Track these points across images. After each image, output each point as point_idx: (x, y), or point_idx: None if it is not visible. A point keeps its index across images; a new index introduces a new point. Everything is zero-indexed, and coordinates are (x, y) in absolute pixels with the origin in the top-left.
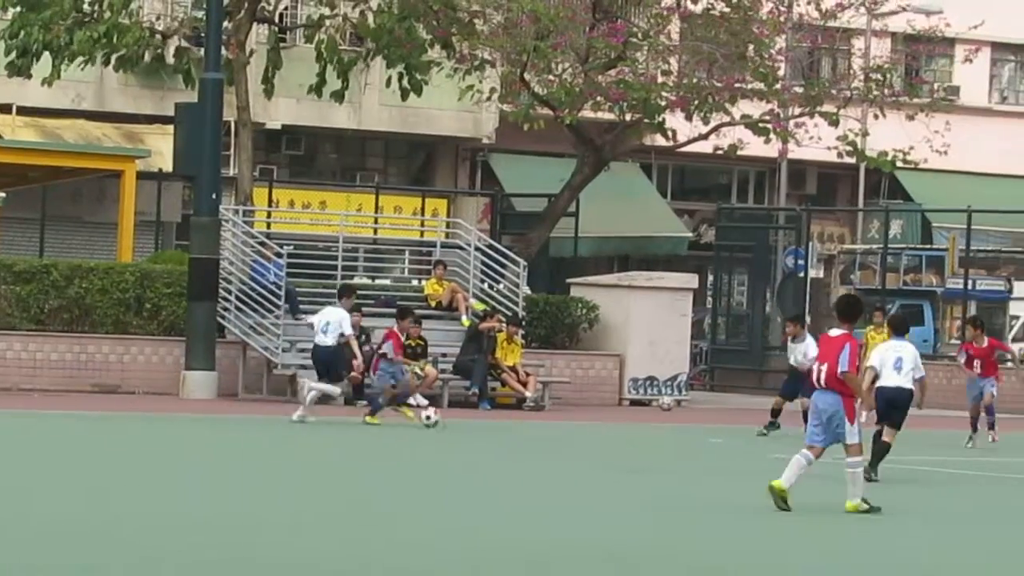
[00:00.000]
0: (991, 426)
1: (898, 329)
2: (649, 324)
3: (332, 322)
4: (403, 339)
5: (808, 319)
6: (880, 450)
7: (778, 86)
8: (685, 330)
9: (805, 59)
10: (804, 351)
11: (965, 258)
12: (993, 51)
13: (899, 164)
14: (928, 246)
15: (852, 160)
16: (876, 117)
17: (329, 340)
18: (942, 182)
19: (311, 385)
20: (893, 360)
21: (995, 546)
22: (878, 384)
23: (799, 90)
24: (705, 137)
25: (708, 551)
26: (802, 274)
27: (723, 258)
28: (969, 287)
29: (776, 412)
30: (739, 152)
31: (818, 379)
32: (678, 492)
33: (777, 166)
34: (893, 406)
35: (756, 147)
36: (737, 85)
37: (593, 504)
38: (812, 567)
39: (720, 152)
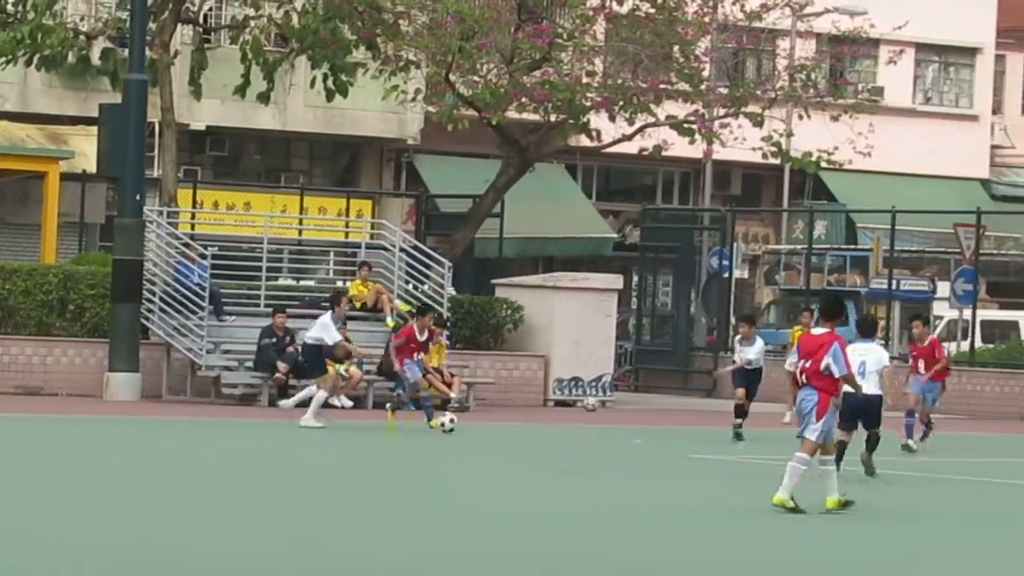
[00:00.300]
0: (908, 432)
1: (865, 331)
2: (574, 325)
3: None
4: (421, 337)
5: (733, 320)
6: (873, 441)
7: (703, 87)
8: (610, 331)
9: (730, 60)
10: (755, 352)
11: (889, 258)
12: (917, 52)
13: (823, 165)
14: (852, 246)
15: (777, 161)
16: (801, 118)
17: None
18: (866, 182)
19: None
20: (857, 365)
21: (931, 547)
22: (844, 390)
23: (724, 91)
24: (630, 138)
25: (633, 552)
26: (727, 275)
27: (648, 259)
28: (893, 287)
29: (741, 411)
30: (664, 153)
31: (800, 377)
32: (602, 493)
33: (702, 167)
34: (864, 414)
35: (681, 148)
36: (662, 86)
37: (516, 505)
38: (738, 567)
39: (645, 153)
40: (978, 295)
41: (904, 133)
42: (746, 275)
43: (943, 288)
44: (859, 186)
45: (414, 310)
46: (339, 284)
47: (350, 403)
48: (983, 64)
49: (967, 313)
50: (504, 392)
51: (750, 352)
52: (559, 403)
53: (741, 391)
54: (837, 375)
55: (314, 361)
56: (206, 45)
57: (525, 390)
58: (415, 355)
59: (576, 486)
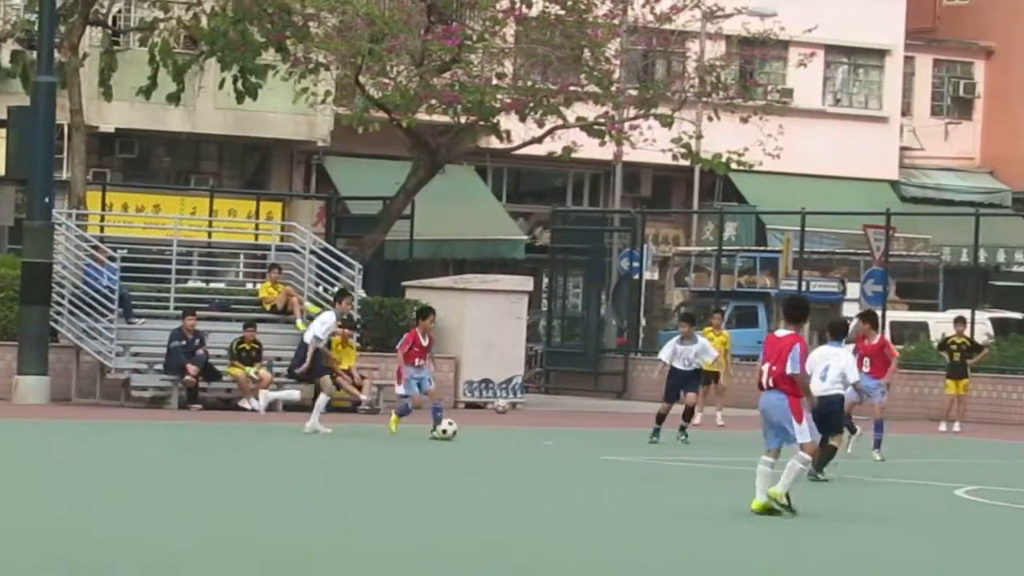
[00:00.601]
0: (877, 444)
1: (834, 334)
2: (484, 327)
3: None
4: (424, 341)
5: (643, 321)
6: (827, 455)
7: (613, 89)
8: (520, 333)
9: (640, 62)
10: (697, 351)
11: (799, 260)
12: (827, 54)
13: (733, 166)
14: (762, 248)
15: (687, 162)
16: (710, 119)
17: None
18: (776, 184)
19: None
20: (820, 369)
21: (850, 545)
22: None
23: (634, 92)
24: (540, 140)
25: (544, 552)
26: (637, 276)
27: (558, 261)
28: (803, 288)
29: (661, 418)
30: (574, 155)
31: (765, 380)
32: (513, 494)
33: (612, 168)
34: (822, 414)
35: (591, 149)
36: (572, 88)
37: (425, 506)
38: (651, 567)
39: (555, 155)
40: (887, 296)
41: (814, 135)
42: (656, 277)
43: (853, 289)
44: (769, 187)
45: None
46: (249, 286)
47: (260, 405)
48: (892, 66)
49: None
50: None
51: (691, 351)
52: (469, 405)
53: (692, 395)
54: (788, 371)
55: (313, 362)
56: (115, 47)
57: (435, 392)
58: (416, 361)
59: (486, 488)
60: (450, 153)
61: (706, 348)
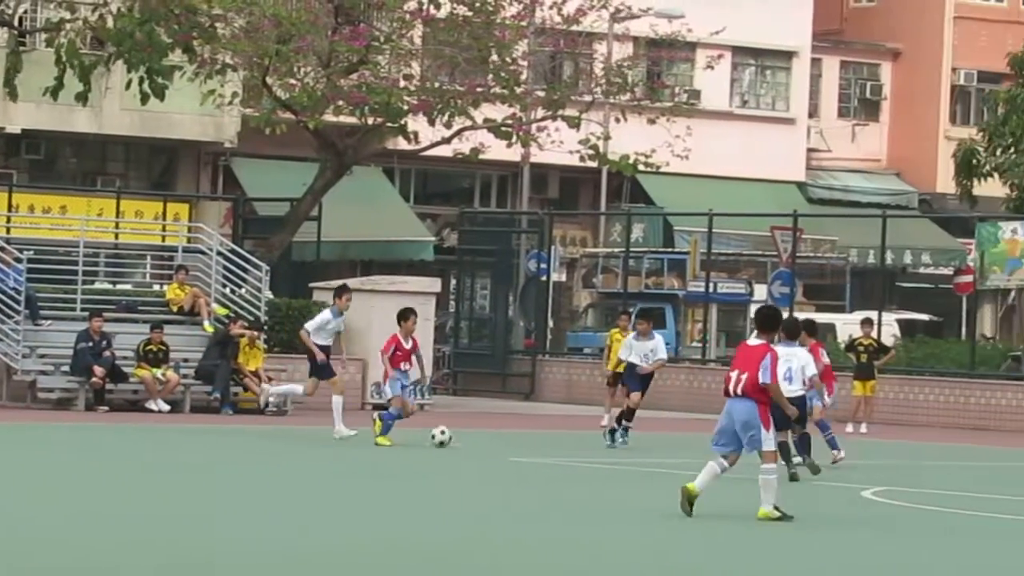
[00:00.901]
0: (831, 444)
1: (790, 334)
2: (391, 328)
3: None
4: (407, 344)
5: (551, 323)
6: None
7: (520, 90)
8: (428, 334)
9: (547, 63)
10: (652, 348)
11: (706, 261)
12: (734, 55)
13: (641, 168)
14: (670, 249)
15: (594, 164)
16: (618, 121)
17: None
18: (684, 185)
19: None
20: (783, 372)
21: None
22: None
23: (541, 94)
24: (447, 141)
25: (454, 553)
26: (544, 278)
27: (465, 262)
28: (711, 290)
29: (631, 413)
30: (482, 156)
31: (735, 387)
32: (422, 496)
33: (519, 170)
34: (786, 416)
35: (498, 151)
36: (479, 89)
37: (332, 508)
38: (563, 567)
39: (462, 156)
40: (795, 297)
41: (721, 136)
42: (564, 278)
43: (760, 291)
44: (676, 189)
45: (231, 314)
46: (156, 288)
47: (167, 407)
48: (799, 68)
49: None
50: (321, 396)
51: (647, 347)
52: (376, 407)
53: (636, 395)
54: (761, 382)
55: (322, 361)
56: (21, 48)
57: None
58: (402, 364)
59: (395, 490)
60: (357, 154)
61: (659, 347)
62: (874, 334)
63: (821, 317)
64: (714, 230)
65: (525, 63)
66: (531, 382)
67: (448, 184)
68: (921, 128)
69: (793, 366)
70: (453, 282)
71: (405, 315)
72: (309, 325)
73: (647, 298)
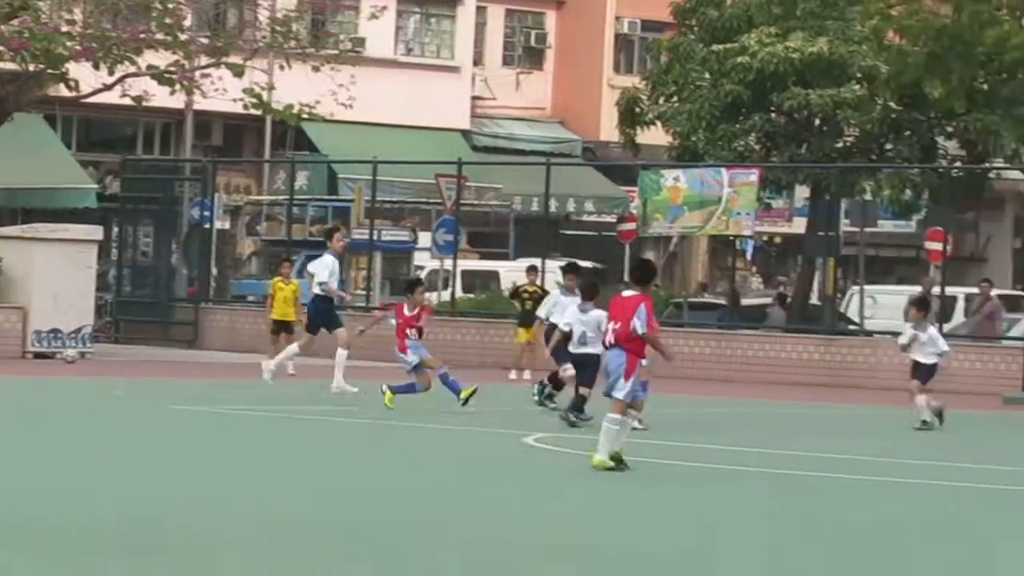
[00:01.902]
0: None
1: (586, 294)
2: (52, 276)
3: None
4: (411, 313)
5: (215, 271)
6: (579, 400)
7: (184, 37)
8: (90, 282)
9: (211, 10)
10: (599, 322)
11: (371, 209)
12: (399, 3)
13: (305, 117)
14: (334, 197)
15: (258, 112)
16: (282, 68)
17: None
18: (349, 133)
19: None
20: (579, 334)
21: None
22: (573, 350)
23: (205, 41)
24: (110, 88)
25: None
26: (208, 226)
27: (128, 210)
28: (375, 238)
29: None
30: (145, 103)
31: (609, 338)
32: (80, 446)
33: (183, 117)
34: (584, 368)
35: (162, 98)
36: (142, 35)
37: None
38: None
39: (126, 103)
40: (459, 245)
41: (386, 84)
42: (228, 226)
43: (424, 238)
44: (342, 137)
45: None
46: None
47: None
48: (464, 16)
49: (448, 263)
50: None
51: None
52: (38, 355)
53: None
54: (639, 332)
55: (328, 313)
56: None
57: (3, 342)
58: (408, 332)
59: (56, 440)
60: (18, 102)
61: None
62: (538, 281)
63: (485, 265)
64: (379, 178)
65: (188, 9)
66: (194, 330)
67: (111, 131)
68: (585, 77)
69: (587, 329)
70: (116, 230)
71: (413, 287)
72: (326, 278)
73: (311, 246)
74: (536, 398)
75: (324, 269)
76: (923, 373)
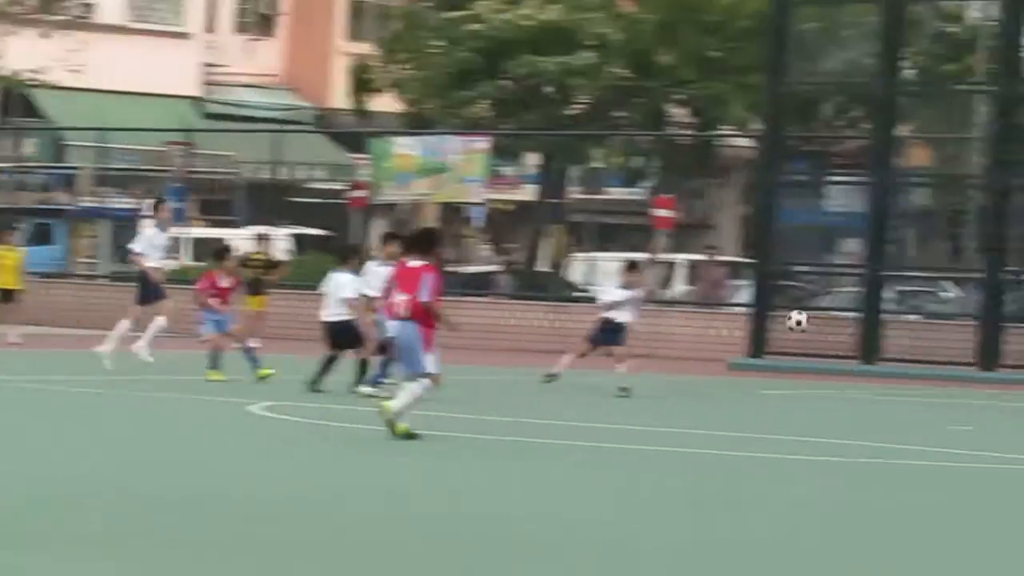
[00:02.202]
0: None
1: (343, 262)
2: None
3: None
4: (225, 283)
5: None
6: (360, 369)
7: None
8: None
9: None
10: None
11: (99, 176)
12: None
13: (32, 84)
14: (61, 164)
15: None
16: (10, 35)
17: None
18: (78, 100)
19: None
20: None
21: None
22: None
23: None
24: None
25: None
26: None
27: None
28: (102, 205)
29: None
30: None
31: (399, 310)
32: None
33: None
34: (337, 336)
35: None
36: None
37: None
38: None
39: None
40: (187, 213)
41: (117, 51)
42: None
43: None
44: (71, 104)
45: None
46: None
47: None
48: None
49: (176, 231)
50: None
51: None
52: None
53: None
54: (424, 300)
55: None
56: None
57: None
58: (217, 303)
59: None
60: None
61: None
62: (266, 249)
63: (214, 233)
64: (108, 145)
65: None
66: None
67: None
68: (317, 44)
69: (331, 290)
70: None
71: (221, 255)
72: (138, 246)
73: (37, 214)
74: (366, 388)
75: (140, 242)
76: (618, 335)
